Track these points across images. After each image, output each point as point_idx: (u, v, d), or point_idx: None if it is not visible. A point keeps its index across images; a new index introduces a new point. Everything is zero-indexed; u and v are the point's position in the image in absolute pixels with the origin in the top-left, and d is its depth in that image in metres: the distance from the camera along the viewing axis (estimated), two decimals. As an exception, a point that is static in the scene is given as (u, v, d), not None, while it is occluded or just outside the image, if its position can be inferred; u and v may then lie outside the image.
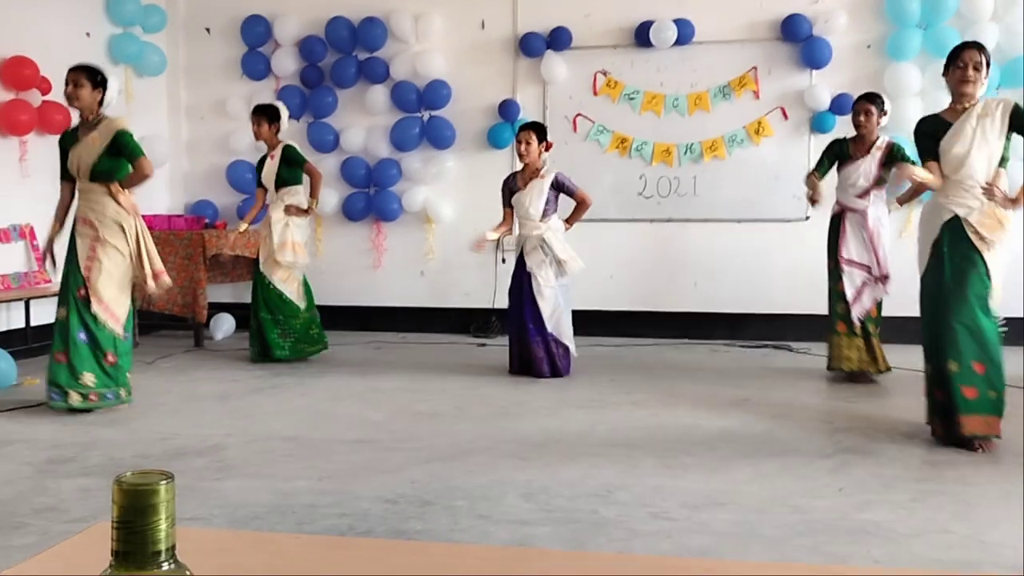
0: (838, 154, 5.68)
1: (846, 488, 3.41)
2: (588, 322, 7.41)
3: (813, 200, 5.63)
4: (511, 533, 2.94)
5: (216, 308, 7.54)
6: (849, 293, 5.60)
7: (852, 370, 5.61)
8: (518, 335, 5.76)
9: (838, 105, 7.05)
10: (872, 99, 5.61)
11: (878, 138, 5.62)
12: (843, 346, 5.63)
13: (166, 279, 4.78)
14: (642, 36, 7.33)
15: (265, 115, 6.21)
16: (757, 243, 7.34)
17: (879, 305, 5.68)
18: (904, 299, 6.17)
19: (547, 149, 5.86)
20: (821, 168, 5.68)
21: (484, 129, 7.68)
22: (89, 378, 4.61)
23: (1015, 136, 4.08)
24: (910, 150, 4.97)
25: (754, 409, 4.79)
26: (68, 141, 4.70)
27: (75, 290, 4.61)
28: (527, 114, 7.47)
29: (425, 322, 7.84)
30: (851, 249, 5.61)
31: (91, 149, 4.57)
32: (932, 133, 4.12)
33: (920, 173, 4.15)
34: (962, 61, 4.03)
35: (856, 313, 5.60)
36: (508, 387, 5.44)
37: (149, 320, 7.56)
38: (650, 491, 3.36)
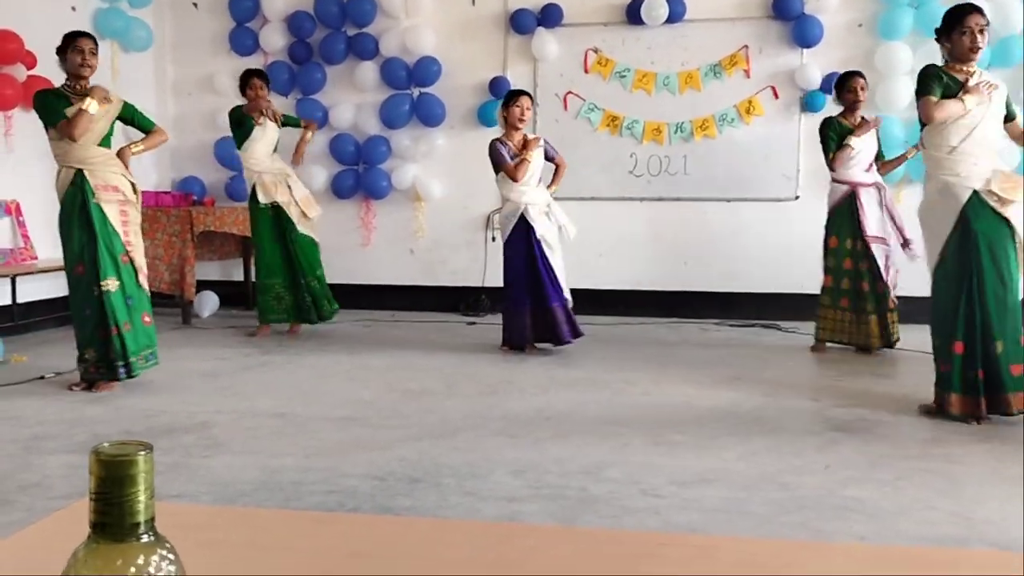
0: (840, 132, 5.70)
1: (833, 465, 3.43)
2: (578, 301, 7.39)
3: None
4: (500, 510, 2.94)
5: (203, 285, 7.50)
6: (882, 269, 5.66)
7: (854, 344, 5.75)
8: (536, 304, 5.69)
9: (829, 84, 7.01)
10: (862, 75, 5.74)
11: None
12: (846, 321, 5.74)
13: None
14: (633, 13, 7.28)
15: (266, 79, 6.31)
16: (747, 222, 7.33)
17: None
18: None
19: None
20: (830, 147, 5.73)
21: (474, 107, 7.64)
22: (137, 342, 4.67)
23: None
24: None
25: (743, 387, 4.81)
26: (62, 104, 4.49)
27: (119, 257, 4.58)
28: (517, 91, 7.42)
29: (414, 300, 7.82)
30: (872, 225, 5.65)
31: (106, 118, 4.57)
32: (945, 82, 4.02)
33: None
34: (967, 27, 3.95)
35: (892, 285, 5.68)
36: (498, 365, 5.44)
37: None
38: (640, 468, 3.37)
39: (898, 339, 5.72)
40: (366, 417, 4.15)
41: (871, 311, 5.67)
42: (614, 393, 4.70)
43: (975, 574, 1.10)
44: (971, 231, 3.95)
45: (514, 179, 5.64)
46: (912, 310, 5.93)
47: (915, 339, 5.55)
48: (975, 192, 3.95)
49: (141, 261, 4.70)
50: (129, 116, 4.74)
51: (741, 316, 7.26)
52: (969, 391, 4.00)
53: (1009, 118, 4.11)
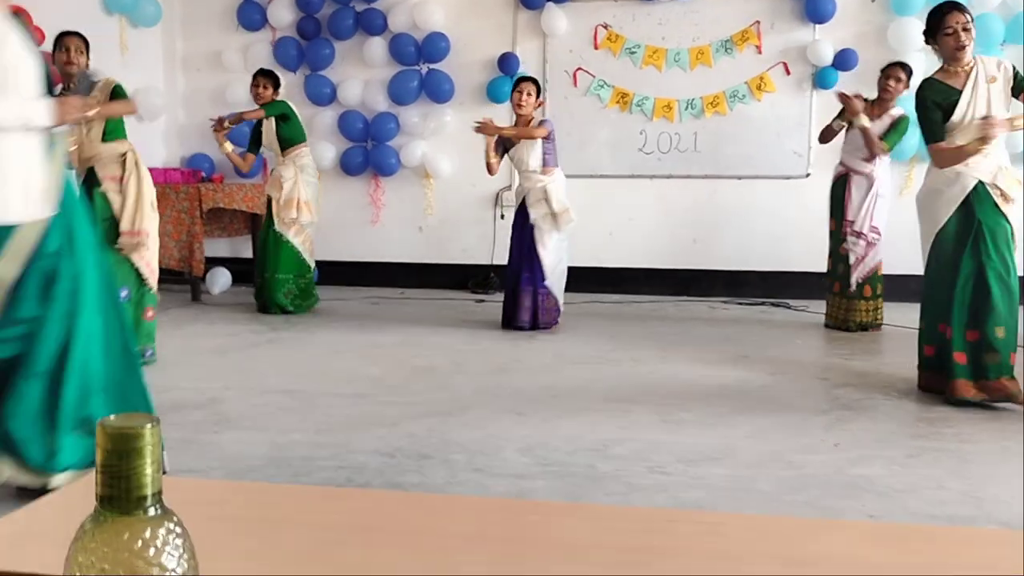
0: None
1: (841, 444, 3.42)
2: (587, 278, 7.40)
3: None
4: (508, 486, 2.95)
5: (213, 262, 7.51)
6: (852, 257, 5.72)
7: (847, 327, 5.80)
8: (513, 287, 5.79)
9: (841, 61, 6.96)
10: (904, 67, 5.71)
11: (893, 106, 5.72)
12: (838, 306, 5.82)
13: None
14: (644, -11, 7.22)
15: (271, 79, 6.32)
16: (757, 200, 7.29)
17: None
18: (904, 258, 6.18)
19: (539, 105, 5.89)
20: (838, 120, 5.79)
21: (483, 83, 7.60)
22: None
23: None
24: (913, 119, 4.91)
25: (751, 366, 4.80)
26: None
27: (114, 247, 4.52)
28: (527, 68, 7.38)
29: (423, 278, 7.82)
30: (852, 211, 5.70)
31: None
32: (942, 103, 3.99)
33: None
34: (950, 27, 3.93)
35: (856, 276, 5.71)
36: (506, 343, 5.44)
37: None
38: (647, 446, 3.37)
39: (879, 323, 5.83)
40: (375, 394, 4.16)
41: (851, 295, 5.75)
42: (622, 371, 4.70)
43: (985, 552, 1.09)
44: (975, 219, 3.95)
45: (488, 172, 5.87)
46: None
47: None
48: (980, 182, 3.95)
49: (151, 255, 4.68)
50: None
51: (750, 294, 7.24)
52: (960, 374, 3.98)
53: (1018, 90, 4.02)
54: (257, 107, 6.31)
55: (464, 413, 3.82)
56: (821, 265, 6.08)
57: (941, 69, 4.07)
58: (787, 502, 2.82)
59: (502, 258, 7.27)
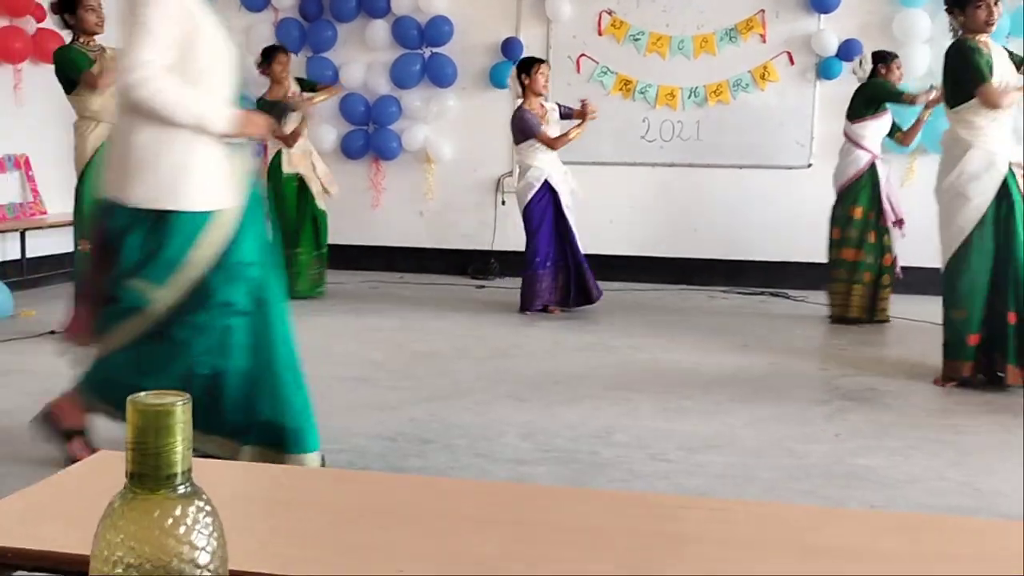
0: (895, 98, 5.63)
1: (842, 434, 3.43)
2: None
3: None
4: (510, 472, 2.95)
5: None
6: (895, 243, 5.66)
7: (878, 319, 5.70)
8: (565, 265, 5.88)
9: (846, 51, 6.93)
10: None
11: None
12: (867, 296, 5.66)
13: None
14: (649, -25, 7.19)
15: (286, 53, 6.35)
16: (759, 189, 7.28)
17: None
18: (909, 250, 6.17)
19: None
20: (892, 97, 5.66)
21: (486, 68, 7.56)
22: None
23: None
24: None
25: (752, 355, 4.80)
26: (87, 63, 4.45)
27: None
28: (530, 53, 7.30)
29: (423, 263, 7.81)
30: (889, 200, 5.64)
31: None
32: (988, 61, 3.99)
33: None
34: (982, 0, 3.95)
35: (898, 261, 5.68)
36: (507, 328, 5.44)
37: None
38: (648, 433, 3.37)
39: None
40: (376, 378, 4.16)
41: (887, 284, 5.67)
42: (622, 358, 4.70)
43: (986, 542, 1.10)
44: (1012, 200, 3.97)
45: (552, 148, 5.80)
46: (918, 280, 5.95)
47: (919, 310, 5.52)
48: (1008, 162, 3.99)
49: None
50: None
51: (750, 284, 7.23)
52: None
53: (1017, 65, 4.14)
54: (297, 86, 6.34)
55: (465, 398, 3.83)
56: (822, 256, 6.05)
57: (971, 37, 4.07)
58: (788, 490, 2.83)
59: (502, 244, 7.27)
